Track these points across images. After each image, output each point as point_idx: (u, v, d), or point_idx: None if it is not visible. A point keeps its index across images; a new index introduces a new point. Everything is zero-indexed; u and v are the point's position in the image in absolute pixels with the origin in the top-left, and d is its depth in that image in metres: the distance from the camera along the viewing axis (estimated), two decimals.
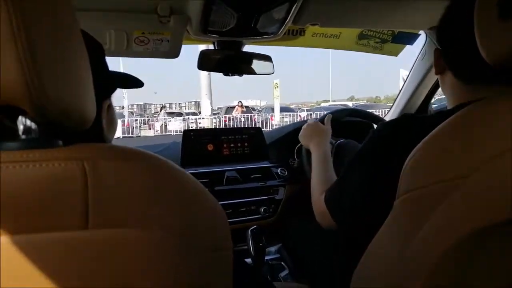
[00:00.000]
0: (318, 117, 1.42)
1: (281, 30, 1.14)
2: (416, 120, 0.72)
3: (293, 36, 1.32)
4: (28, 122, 0.32)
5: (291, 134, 1.64)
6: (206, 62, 1.18)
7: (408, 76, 1.63)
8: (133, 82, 0.73)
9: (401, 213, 0.55)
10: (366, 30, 1.41)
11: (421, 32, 1.45)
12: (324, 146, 1.11)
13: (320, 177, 0.99)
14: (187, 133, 1.49)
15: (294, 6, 1.00)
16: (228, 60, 1.21)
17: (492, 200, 0.43)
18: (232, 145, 1.54)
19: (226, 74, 1.25)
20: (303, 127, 1.24)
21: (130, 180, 0.33)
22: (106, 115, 0.57)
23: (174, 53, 1.12)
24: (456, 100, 0.71)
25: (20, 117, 0.31)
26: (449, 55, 0.71)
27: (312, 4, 1.03)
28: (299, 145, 1.58)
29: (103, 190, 0.31)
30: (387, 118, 1.73)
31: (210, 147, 1.50)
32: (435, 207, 0.48)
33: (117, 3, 0.93)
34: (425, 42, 1.50)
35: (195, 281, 0.35)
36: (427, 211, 0.49)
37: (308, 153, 1.40)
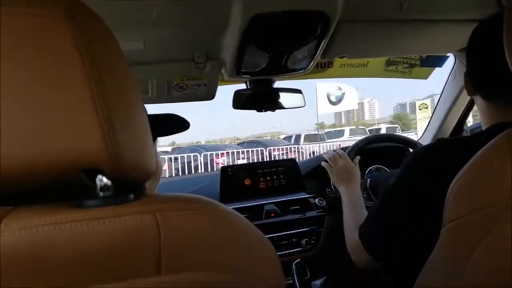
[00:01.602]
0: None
1: (311, 65, 1.18)
2: (453, 144, 0.72)
3: (321, 69, 1.36)
4: (105, 180, 0.34)
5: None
6: (240, 101, 1.24)
7: (439, 98, 1.62)
8: (180, 125, 0.73)
9: (448, 242, 0.54)
10: (394, 57, 1.43)
11: (450, 53, 1.45)
12: (355, 192, 1.11)
13: (353, 220, 0.97)
14: (224, 169, 1.53)
15: (323, 42, 1.04)
16: (261, 97, 1.26)
17: None
18: (268, 178, 1.56)
19: (259, 110, 1.29)
20: (332, 164, 1.25)
21: (198, 229, 0.35)
22: None
23: (210, 95, 1.19)
24: (490, 120, 0.72)
25: (98, 176, 0.34)
26: (477, 78, 0.73)
27: (340, 38, 1.06)
28: None
29: (173, 239, 0.33)
30: (422, 141, 1.70)
31: (247, 182, 1.53)
32: (486, 233, 0.47)
33: (158, 55, 1.01)
34: (454, 64, 1.49)
35: None
36: (477, 238, 0.48)
37: None
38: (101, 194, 0.35)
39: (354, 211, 1.02)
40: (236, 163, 6.55)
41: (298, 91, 1.31)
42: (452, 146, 0.71)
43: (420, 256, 0.61)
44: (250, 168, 1.57)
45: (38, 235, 0.31)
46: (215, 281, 0.34)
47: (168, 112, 0.72)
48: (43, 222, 0.31)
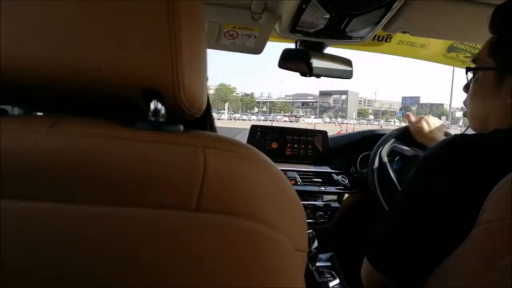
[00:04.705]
0: None
1: (370, 35, 1.10)
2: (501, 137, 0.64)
3: (378, 42, 1.27)
4: (159, 106, 0.34)
5: (357, 142, 1.60)
6: (287, 61, 1.18)
7: None
8: None
9: (480, 242, 0.51)
10: (458, 43, 1.32)
11: None
12: None
13: None
14: (254, 128, 1.51)
15: (390, 11, 0.96)
16: (310, 61, 1.20)
17: None
18: (295, 146, 1.53)
19: (304, 74, 1.24)
20: (424, 120, 1.19)
21: (243, 174, 0.34)
22: None
23: (258, 49, 1.13)
24: None
25: (153, 101, 0.34)
26: None
27: (408, 12, 0.98)
28: (363, 154, 1.54)
29: (217, 178, 0.32)
30: None
31: (274, 145, 1.51)
32: None
33: None
34: None
35: (280, 279, 0.35)
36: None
37: (380, 163, 1.33)
38: (152, 119, 0.34)
39: None
40: None
41: (348, 62, 1.24)
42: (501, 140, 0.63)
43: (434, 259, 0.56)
44: (280, 132, 1.54)
45: (84, 145, 0.30)
46: (249, 228, 0.33)
47: None
48: (90, 133, 0.31)
